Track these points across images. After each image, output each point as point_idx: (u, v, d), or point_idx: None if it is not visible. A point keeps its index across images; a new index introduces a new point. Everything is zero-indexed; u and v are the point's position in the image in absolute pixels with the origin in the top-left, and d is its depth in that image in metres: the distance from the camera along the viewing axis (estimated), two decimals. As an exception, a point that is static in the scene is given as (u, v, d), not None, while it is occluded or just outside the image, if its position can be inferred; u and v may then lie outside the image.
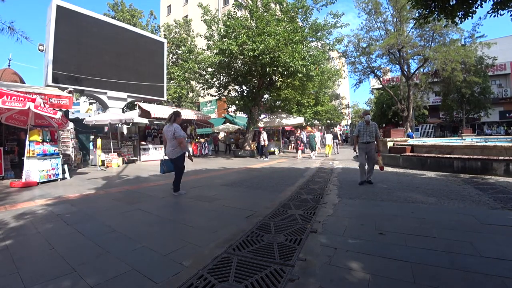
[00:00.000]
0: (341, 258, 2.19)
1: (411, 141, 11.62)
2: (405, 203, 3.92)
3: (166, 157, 5.01)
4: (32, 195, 5.08)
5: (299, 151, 13.85)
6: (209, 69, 14.42)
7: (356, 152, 5.91)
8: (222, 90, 15.42)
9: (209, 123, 17.51)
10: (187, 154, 4.87)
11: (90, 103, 28.39)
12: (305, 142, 15.14)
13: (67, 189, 5.65)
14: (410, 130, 22.51)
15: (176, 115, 4.92)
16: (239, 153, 15.06)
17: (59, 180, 6.84)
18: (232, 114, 19.58)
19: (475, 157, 6.68)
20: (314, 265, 2.08)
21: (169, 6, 33.03)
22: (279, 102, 18.65)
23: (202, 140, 16.52)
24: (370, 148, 5.56)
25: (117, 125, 11.87)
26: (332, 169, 8.32)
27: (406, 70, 22.40)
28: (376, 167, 5.88)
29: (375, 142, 5.62)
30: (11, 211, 3.87)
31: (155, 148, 13.49)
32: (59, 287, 1.84)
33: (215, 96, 15.97)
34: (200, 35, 14.52)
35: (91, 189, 5.59)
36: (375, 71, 23.56)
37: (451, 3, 4.59)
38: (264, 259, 2.17)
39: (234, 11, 13.20)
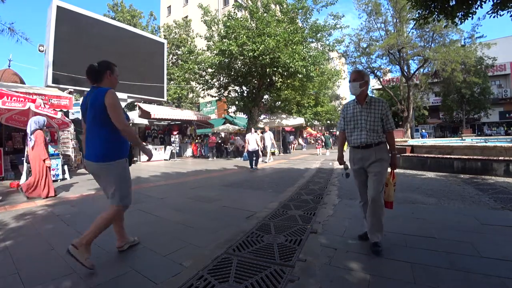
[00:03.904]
0: (341, 259, 2.19)
1: (411, 142, 11.61)
2: (405, 204, 3.92)
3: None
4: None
5: (319, 149, 15.71)
6: (209, 70, 14.42)
7: (344, 167, 2.76)
8: (222, 90, 15.42)
9: (209, 123, 17.52)
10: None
11: (90, 104, 28.39)
12: (305, 142, 15.31)
13: (67, 190, 5.65)
14: (423, 130, 24.56)
15: (252, 127, 10.00)
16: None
17: (59, 180, 6.84)
18: (232, 114, 19.59)
19: (475, 157, 6.68)
20: (314, 266, 2.08)
21: (169, 6, 33.07)
22: (279, 102, 18.66)
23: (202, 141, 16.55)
24: (372, 160, 2.39)
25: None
26: (332, 170, 8.32)
27: (406, 70, 22.41)
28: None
29: (384, 145, 2.49)
30: (11, 212, 3.87)
31: (155, 149, 13.50)
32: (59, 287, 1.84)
33: (215, 96, 15.98)
34: (200, 36, 14.53)
35: (91, 190, 5.59)
36: (375, 71, 23.56)
37: (451, 3, 4.59)
38: (264, 260, 2.17)
39: (234, 12, 13.22)
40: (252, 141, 8.88)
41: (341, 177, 6.62)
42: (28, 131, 4.82)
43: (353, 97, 2.60)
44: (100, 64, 2.23)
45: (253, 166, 8.93)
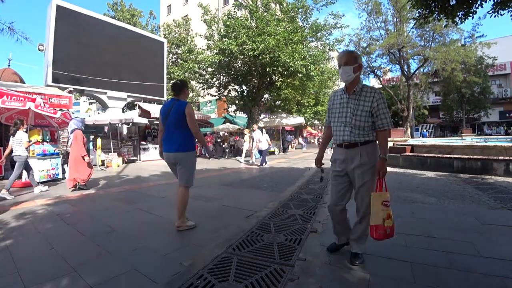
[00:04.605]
0: (341, 258, 2.19)
1: (411, 141, 11.61)
2: (405, 203, 3.91)
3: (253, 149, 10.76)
4: (32, 195, 5.08)
5: None
6: (209, 69, 14.41)
7: (321, 170, 2.50)
8: (222, 90, 15.40)
9: (209, 123, 17.50)
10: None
11: (90, 103, 28.39)
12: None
13: (67, 189, 5.64)
14: (424, 130, 25.18)
15: (261, 127, 9.24)
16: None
17: (59, 180, 6.84)
18: (232, 114, 19.57)
19: (475, 157, 6.67)
20: (314, 265, 2.08)
21: (169, 6, 32.99)
22: (279, 102, 18.65)
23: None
24: (357, 163, 2.00)
25: (117, 125, 11.86)
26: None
27: (406, 70, 22.41)
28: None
29: (373, 144, 2.04)
30: (11, 211, 3.87)
31: (155, 148, 13.47)
32: (59, 287, 1.85)
33: (215, 96, 15.95)
34: (200, 35, 14.50)
35: (91, 189, 5.59)
36: (375, 71, 23.58)
37: (451, 3, 4.59)
38: (264, 259, 2.17)
39: (234, 11, 13.19)
40: (264, 140, 9.84)
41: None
42: (69, 130, 5.58)
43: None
44: (181, 81, 3.12)
45: (264, 164, 9.66)
